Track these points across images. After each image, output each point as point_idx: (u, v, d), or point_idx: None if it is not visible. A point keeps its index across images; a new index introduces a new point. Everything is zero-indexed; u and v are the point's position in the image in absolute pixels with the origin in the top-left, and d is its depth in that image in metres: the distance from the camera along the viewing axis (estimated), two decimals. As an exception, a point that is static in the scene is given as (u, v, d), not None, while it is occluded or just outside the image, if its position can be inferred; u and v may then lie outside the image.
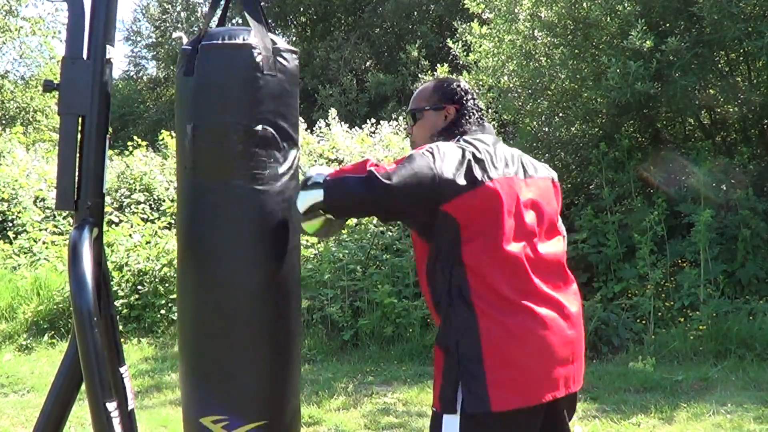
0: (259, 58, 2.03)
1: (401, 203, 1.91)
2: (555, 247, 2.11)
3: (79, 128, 1.99)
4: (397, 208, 1.96)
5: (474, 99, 2.22)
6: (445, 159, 1.93)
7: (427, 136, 2.17)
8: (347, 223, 7.85)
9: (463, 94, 2.20)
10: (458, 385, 1.92)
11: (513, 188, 2.01)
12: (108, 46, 2.02)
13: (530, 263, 1.99)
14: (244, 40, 2.05)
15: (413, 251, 2.11)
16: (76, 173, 2.00)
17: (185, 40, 2.21)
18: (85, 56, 1.99)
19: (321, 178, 1.91)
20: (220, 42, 2.03)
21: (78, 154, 2.00)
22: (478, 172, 1.95)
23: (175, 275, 6.87)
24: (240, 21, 16.43)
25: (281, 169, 2.10)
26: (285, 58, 2.10)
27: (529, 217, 2.03)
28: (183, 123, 2.06)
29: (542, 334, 1.96)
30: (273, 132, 2.06)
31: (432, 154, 1.94)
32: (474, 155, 1.99)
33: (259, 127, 2.05)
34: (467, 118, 2.17)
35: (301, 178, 2.04)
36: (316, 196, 1.91)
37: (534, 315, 1.96)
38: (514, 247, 1.97)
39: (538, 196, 2.09)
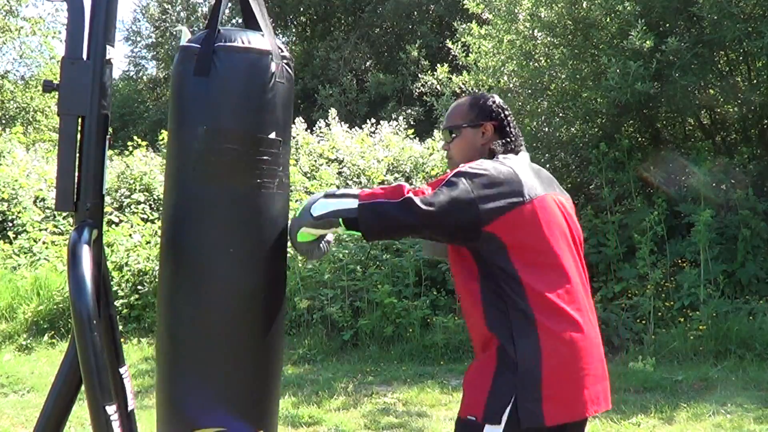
0: (273, 67, 2.04)
1: (441, 228, 1.95)
2: (582, 265, 2.17)
3: (79, 129, 1.99)
4: (437, 232, 1.98)
5: (510, 115, 2.22)
6: (484, 181, 1.96)
7: (465, 154, 2.16)
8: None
9: (499, 111, 2.19)
10: (512, 397, 1.94)
11: (552, 205, 2.06)
12: (108, 47, 2.01)
13: (575, 279, 2.05)
14: (261, 45, 2.05)
15: (453, 269, 2.12)
16: (76, 174, 2.00)
17: (186, 33, 2.18)
18: (84, 57, 1.98)
19: (353, 191, 1.97)
20: (241, 45, 2.01)
21: (78, 155, 2.00)
22: (518, 190, 1.98)
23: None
24: (236, 21, 16.41)
25: (283, 176, 2.10)
26: (289, 66, 2.13)
27: (567, 233, 2.09)
28: (191, 123, 2.02)
29: (590, 348, 2.03)
30: (280, 140, 2.07)
31: (470, 177, 1.95)
32: (512, 173, 2.01)
33: (272, 135, 2.05)
34: (506, 136, 2.18)
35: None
36: (346, 206, 1.94)
37: (583, 330, 2.02)
38: (565, 262, 2.03)
39: (569, 215, 2.15)
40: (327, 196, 1.99)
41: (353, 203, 1.93)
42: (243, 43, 2.02)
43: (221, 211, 2.03)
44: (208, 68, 1.99)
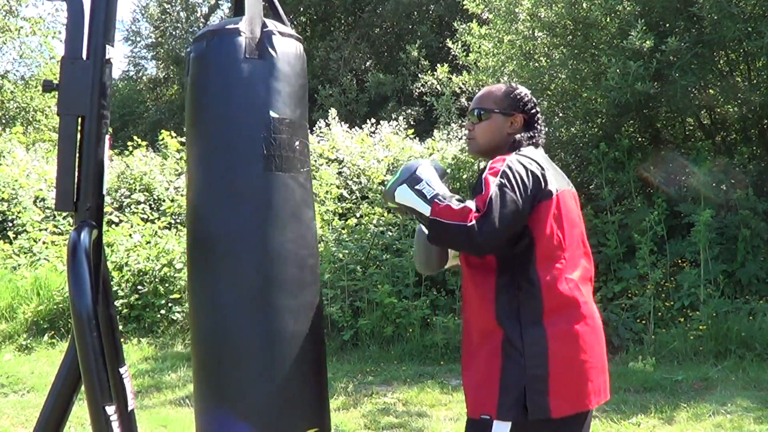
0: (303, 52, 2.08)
1: (499, 245, 1.99)
2: (590, 257, 2.25)
3: (79, 128, 1.99)
4: (495, 249, 2.02)
5: (539, 112, 2.27)
6: (520, 180, 2.01)
7: (489, 139, 2.21)
8: (347, 223, 7.80)
9: (532, 105, 2.24)
10: (522, 391, 1.97)
11: (570, 200, 2.14)
12: (107, 47, 2.01)
13: (584, 271, 2.15)
14: (290, 30, 2.08)
15: (467, 260, 2.14)
16: (76, 174, 2.00)
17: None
18: (84, 56, 1.98)
19: (429, 194, 2.01)
20: (285, 30, 2.05)
21: (78, 155, 1.99)
22: (544, 184, 2.05)
23: (175, 275, 6.90)
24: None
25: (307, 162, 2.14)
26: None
27: (580, 228, 2.18)
28: (251, 110, 2.01)
29: (594, 341, 2.09)
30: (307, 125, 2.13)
31: (510, 182, 1.99)
32: (539, 168, 2.07)
33: (274, 114, 2.04)
34: (533, 130, 2.22)
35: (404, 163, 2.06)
36: (420, 209, 2.01)
37: (589, 323, 2.08)
38: (578, 257, 2.12)
39: (579, 209, 2.23)
40: (409, 183, 2.04)
41: (426, 210, 1.99)
42: (280, 28, 2.05)
43: (281, 198, 2.04)
44: (263, 50, 1.99)
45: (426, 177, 2.05)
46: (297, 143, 2.03)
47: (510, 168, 2.02)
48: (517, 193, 1.98)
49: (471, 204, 1.94)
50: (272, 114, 1.99)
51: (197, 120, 2.06)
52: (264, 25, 2.00)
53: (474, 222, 1.91)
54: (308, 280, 2.09)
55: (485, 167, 2.07)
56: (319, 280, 2.17)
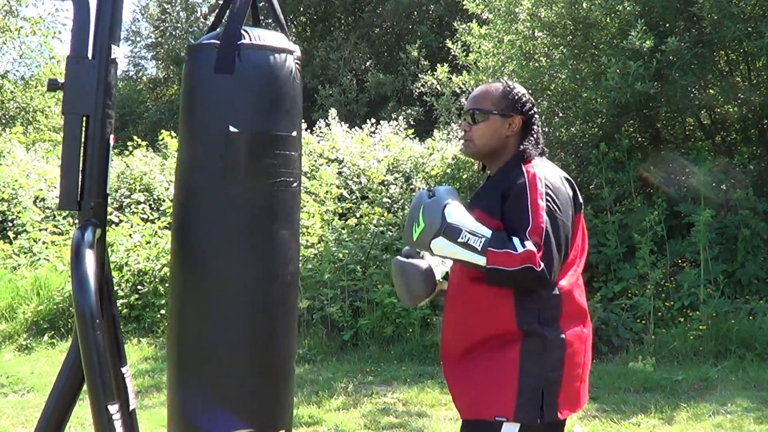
0: (293, 65, 2.07)
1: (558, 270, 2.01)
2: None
3: (84, 128, 1.99)
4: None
5: (536, 113, 2.22)
6: (563, 200, 2.04)
7: (486, 141, 2.15)
8: (347, 223, 7.78)
9: (530, 106, 2.18)
10: (540, 395, 1.98)
11: (580, 211, 2.17)
12: (113, 46, 2.01)
13: (582, 276, 2.19)
14: (282, 44, 2.08)
15: (473, 271, 2.05)
16: (80, 173, 2.00)
17: None
18: (90, 56, 1.98)
19: (479, 244, 1.91)
20: (260, 43, 2.03)
21: (82, 155, 2.00)
22: (574, 197, 2.11)
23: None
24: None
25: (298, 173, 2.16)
26: (299, 64, 2.16)
27: (580, 233, 2.19)
28: (216, 123, 2.03)
29: (589, 344, 2.16)
30: (297, 137, 2.14)
31: (554, 202, 1.99)
32: (566, 180, 2.11)
33: (294, 133, 2.11)
34: (532, 134, 2.17)
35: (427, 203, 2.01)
36: (473, 261, 1.93)
37: (589, 329, 2.15)
38: (580, 261, 2.16)
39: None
40: (448, 236, 1.93)
41: (481, 261, 1.91)
42: (261, 40, 2.04)
43: (239, 211, 2.06)
44: (232, 66, 1.99)
45: (461, 221, 1.95)
46: (265, 156, 2.02)
47: (550, 186, 2.01)
48: (564, 213, 1.99)
49: (529, 244, 1.90)
50: (231, 129, 1.98)
51: (179, 135, 2.17)
52: (240, 38, 1.99)
53: (543, 265, 1.89)
54: (272, 288, 2.12)
55: (515, 184, 2.01)
56: (292, 285, 2.18)
